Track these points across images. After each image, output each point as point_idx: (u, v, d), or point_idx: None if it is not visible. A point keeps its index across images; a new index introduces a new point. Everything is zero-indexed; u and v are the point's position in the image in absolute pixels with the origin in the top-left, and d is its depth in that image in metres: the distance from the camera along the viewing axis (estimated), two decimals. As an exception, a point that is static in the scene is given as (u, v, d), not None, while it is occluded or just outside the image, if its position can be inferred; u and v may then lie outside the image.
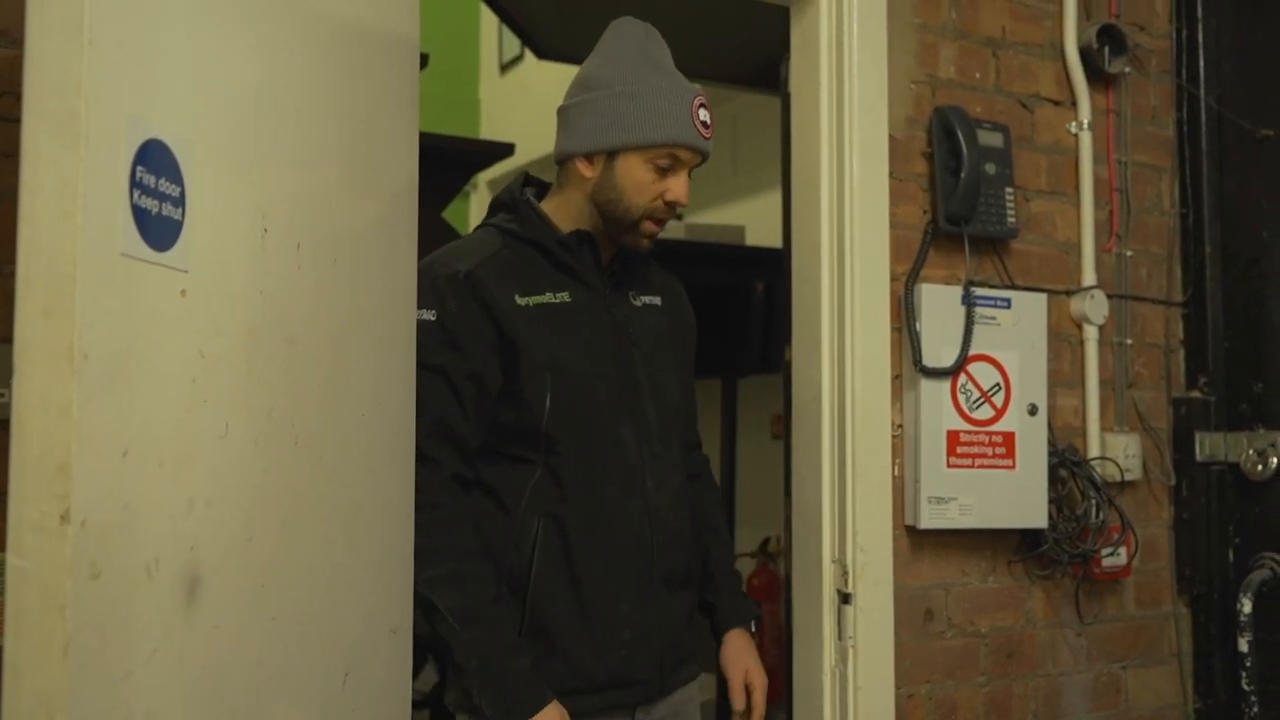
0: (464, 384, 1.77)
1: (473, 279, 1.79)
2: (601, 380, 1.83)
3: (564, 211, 1.89)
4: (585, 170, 1.85)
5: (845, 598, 2.28)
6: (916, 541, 2.37)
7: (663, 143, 1.80)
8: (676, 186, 1.82)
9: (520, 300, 1.80)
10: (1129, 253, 2.70)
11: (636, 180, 1.82)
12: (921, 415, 2.33)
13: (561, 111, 1.90)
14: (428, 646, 3.78)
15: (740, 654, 2.01)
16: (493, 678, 1.71)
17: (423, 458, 1.73)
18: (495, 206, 1.95)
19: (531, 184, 1.95)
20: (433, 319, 1.78)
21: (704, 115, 1.83)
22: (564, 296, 1.84)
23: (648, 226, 1.84)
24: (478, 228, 1.95)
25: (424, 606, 1.74)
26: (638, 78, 1.83)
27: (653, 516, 1.85)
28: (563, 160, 1.90)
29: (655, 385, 1.90)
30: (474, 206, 7.50)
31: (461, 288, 1.79)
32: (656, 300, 1.98)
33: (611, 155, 1.83)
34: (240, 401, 1.33)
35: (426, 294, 1.79)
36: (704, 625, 2.04)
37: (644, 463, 1.85)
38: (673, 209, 1.84)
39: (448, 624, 1.72)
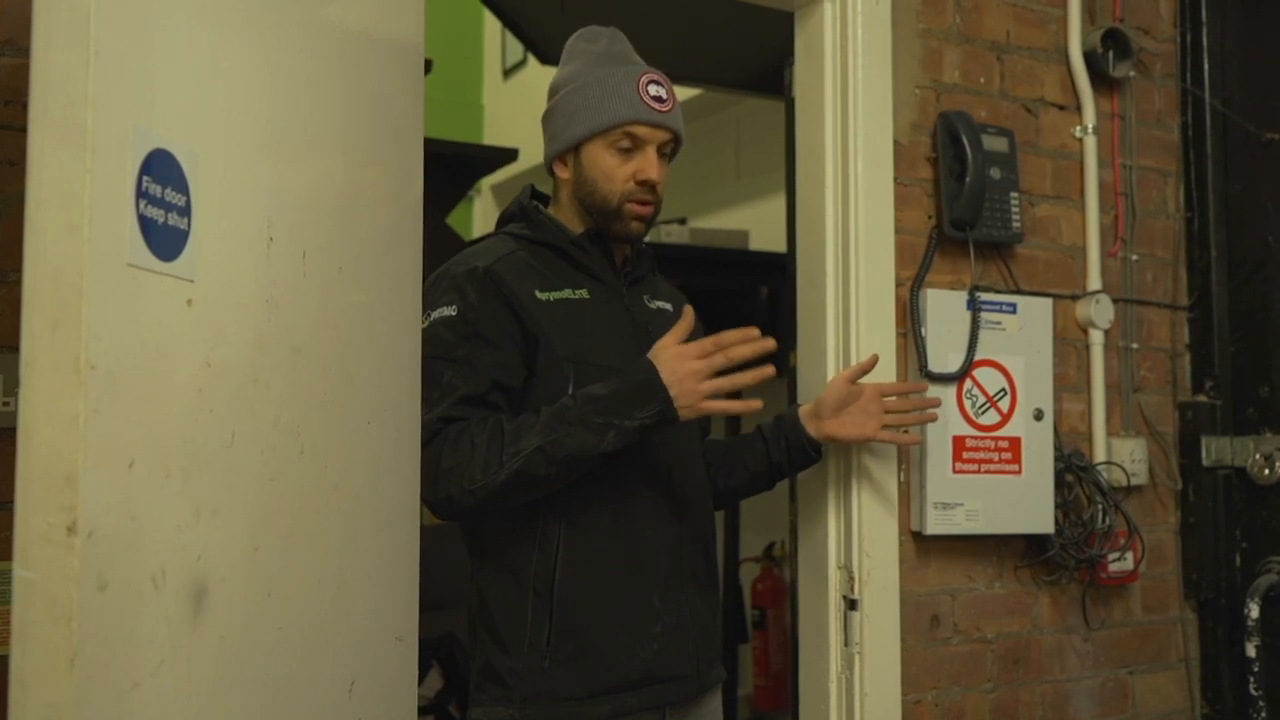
0: (489, 369, 1.76)
1: (492, 274, 1.79)
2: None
3: (563, 219, 1.91)
4: (562, 173, 1.90)
5: (851, 604, 2.28)
6: (922, 547, 2.36)
7: (613, 124, 1.83)
8: (644, 165, 1.84)
9: (541, 295, 1.80)
10: (1134, 257, 2.69)
11: (603, 168, 1.84)
12: (927, 420, 2.32)
13: (542, 122, 1.94)
14: (433, 652, 3.79)
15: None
16: (609, 408, 1.66)
17: (449, 420, 1.71)
18: (504, 219, 1.96)
19: (538, 196, 1.96)
20: (454, 314, 1.77)
21: (654, 90, 1.85)
22: (583, 293, 1.85)
23: (631, 209, 1.85)
24: (488, 236, 1.95)
25: (514, 485, 1.68)
26: (588, 73, 1.88)
27: (679, 510, 1.85)
28: (549, 170, 1.93)
29: None
30: (478, 212, 7.50)
31: (481, 282, 1.79)
32: (668, 306, 1.99)
33: (577, 151, 1.86)
34: (246, 411, 1.33)
35: (445, 292, 1.79)
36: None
37: (669, 456, 1.85)
38: (649, 188, 1.85)
39: (541, 459, 1.66)
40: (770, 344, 1.69)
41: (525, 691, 1.76)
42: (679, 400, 1.67)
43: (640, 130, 1.83)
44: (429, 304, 1.77)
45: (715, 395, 1.69)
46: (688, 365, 1.67)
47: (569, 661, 1.75)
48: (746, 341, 1.67)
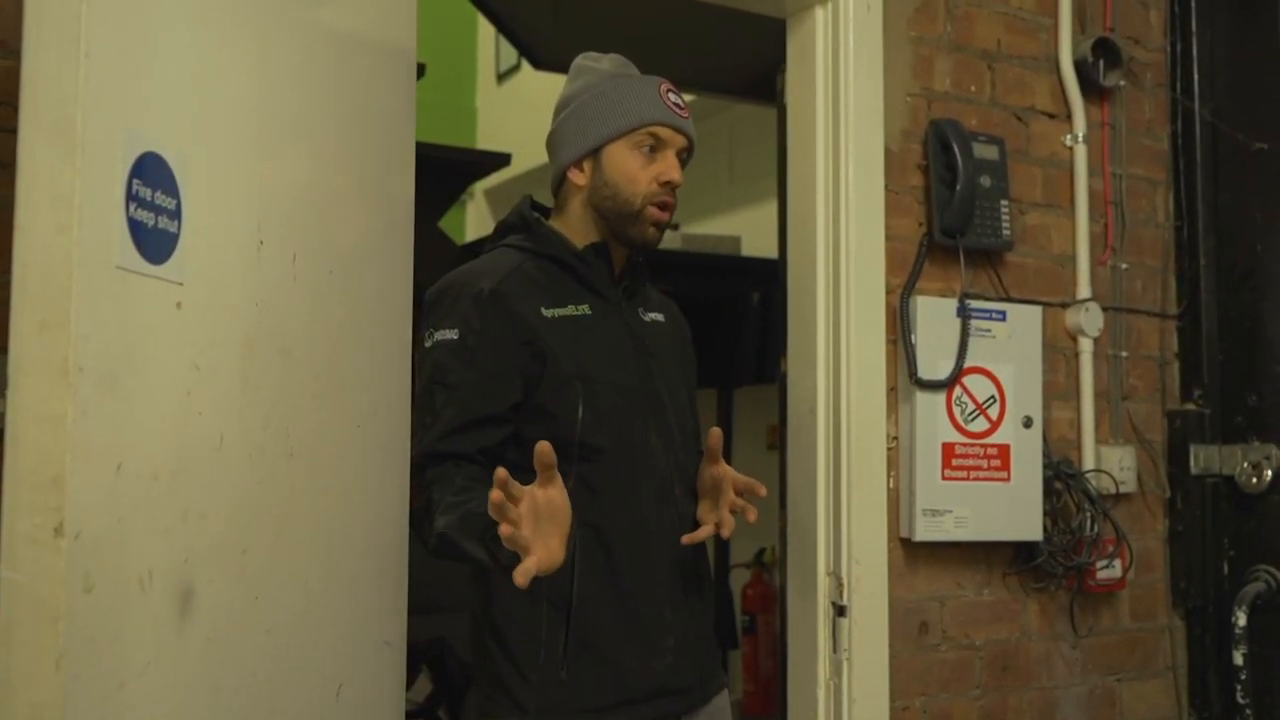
0: (482, 398, 1.75)
1: (498, 294, 1.79)
2: (628, 390, 1.84)
3: (569, 229, 1.90)
4: (578, 179, 1.88)
5: (840, 610, 2.28)
6: (911, 554, 2.37)
7: (638, 124, 1.84)
8: (666, 167, 1.85)
9: (546, 312, 1.80)
10: (1124, 265, 2.70)
11: (626, 169, 1.84)
12: (917, 427, 2.33)
13: (548, 140, 1.93)
14: (422, 656, 3.78)
15: None
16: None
17: (438, 457, 1.69)
18: (504, 229, 1.95)
19: (536, 207, 1.96)
20: (455, 338, 1.76)
21: (674, 98, 1.88)
22: (585, 309, 1.85)
23: (652, 213, 1.85)
24: (490, 250, 1.94)
25: (438, 552, 1.65)
26: (603, 83, 1.88)
27: (684, 524, 1.86)
28: (558, 181, 1.92)
29: (673, 396, 1.91)
30: (470, 216, 7.50)
31: (487, 304, 1.78)
32: (661, 318, 1.99)
33: (597, 155, 1.86)
34: (235, 413, 1.33)
35: (449, 314, 1.78)
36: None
37: (672, 471, 1.86)
38: (670, 190, 1.85)
39: (443, 545, 1.63)
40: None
41: (540, 703, 1.75)
42: None
43: (663, 132, 1.85)
44: (433, 321, 1.76)
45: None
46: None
47: (586, 672, 1.74)
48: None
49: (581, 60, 1.96)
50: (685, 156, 1.91)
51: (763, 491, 1.89)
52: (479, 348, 1.75)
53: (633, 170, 1.84)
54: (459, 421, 1.73)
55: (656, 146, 1.85)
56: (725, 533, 1.83)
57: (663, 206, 1.86)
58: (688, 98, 1.98)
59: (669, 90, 1.88)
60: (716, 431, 1.84)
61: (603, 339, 1.84)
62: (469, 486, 1.68)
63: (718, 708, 1.93)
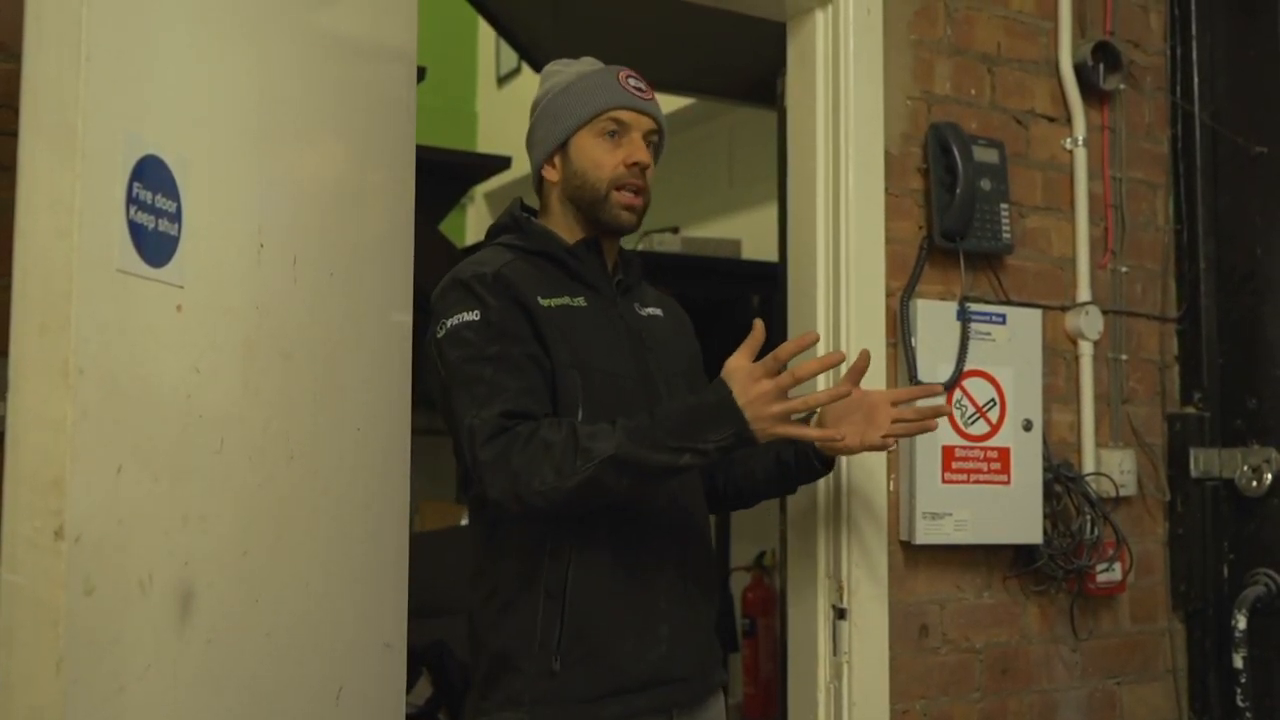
0: (527, 363, 1.75)
1: (501, 278, 1.80)
2: (626, 380, 1.84)
3: (555, 227, 1.92)
4: (551, 175, 1.91)
5: (840, 613, 2.28)
6: (911, 557, 2.37)
7: (599, 111, 1.86)
8: (632, 149, 1.86)
9: (544, 301, 1.81)
10: (1124, 268, 2.70)
11: (592, 157, 1.86)
12: (917, 430, 2.33)
13: (525, 146, 1.96)
14: (422, 659, 3.78)
15: None
16: (684, 431, 1.63)
17: (516, 416, 1.67)
18: (496, 230, 1.96)
19: (526, 209, 1.97)
20: (477, 318, 1.76)
21: (634, 82, 1.90)
22: (580, 301, 1.86)
23: (620, 197, 1.86)
24: (481, 247, 1.95)
25: (586, 492, 1.64)
26: (566, 80, 1.91)
27: (683, 516, 1.86)
28: (538, 182, 1.94)
29: (672, 388, 1.91)
30: (471, 219, 7.50)
31: (494, 285, 1.79)
32: (659, 312, 2.00)
33: (565, 149, 1.88)
34: (235, 416, 1.33)
35: (462, 299, 1.77)
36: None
37: None
38: (639, 171, 1.86)
39: (612, 469, 1.62)
40: (840, 356, 1.76)
41: (535, 694, 1.75)
42: (754, 423, 1.65)
43: (625, 115, 1.87)
44: (442, 313, 1.77)
45: (789, 416, 1.67)
46: (759, 387, 1.64)
47: (579, 663, 1.75)
48: (802, 349, 1.67)
49: (550, 66, 2.00)
50: (656, 140, 1.92)
51: (937, 389, 2.06)
52: (502, 323, 1.75)
53: (599, 156, 1.86)
54: (518, 384, 1.71)
55: (620, 131, 1.87)
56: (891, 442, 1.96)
57: (636, 191, 1.87)
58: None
59: (629, 76, 1.90)
60: (866, 352, 1.91)
61: (599, 330, 1.85)
62: (575, 424, 1.68)
63: (714, 714, 1.93)
